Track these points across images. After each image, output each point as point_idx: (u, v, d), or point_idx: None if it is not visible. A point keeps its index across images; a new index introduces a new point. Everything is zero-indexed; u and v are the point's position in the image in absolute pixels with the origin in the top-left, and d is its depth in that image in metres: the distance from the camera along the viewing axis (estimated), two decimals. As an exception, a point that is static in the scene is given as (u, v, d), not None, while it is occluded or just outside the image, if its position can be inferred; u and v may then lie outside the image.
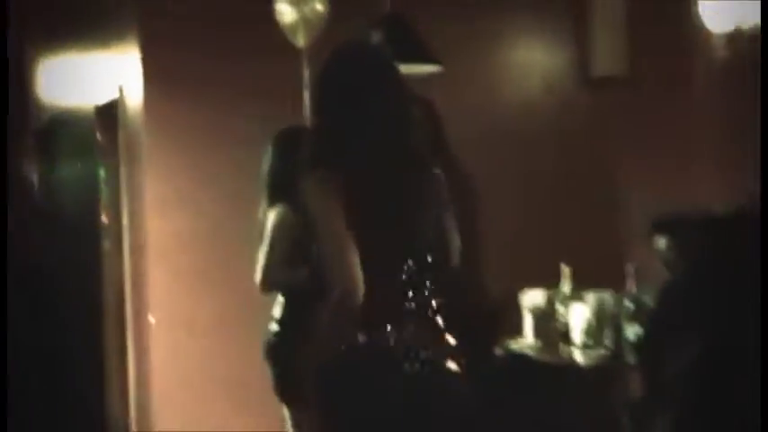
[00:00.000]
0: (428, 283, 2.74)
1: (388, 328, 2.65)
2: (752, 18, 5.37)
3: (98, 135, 6.09)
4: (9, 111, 6.07)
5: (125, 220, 5.46)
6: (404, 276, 2.70)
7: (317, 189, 2.66)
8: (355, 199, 2.66)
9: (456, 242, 3.18)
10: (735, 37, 5.43)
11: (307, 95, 4.93)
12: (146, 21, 5.32)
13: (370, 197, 2.70)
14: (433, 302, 2.79)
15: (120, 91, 5.46)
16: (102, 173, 6.06)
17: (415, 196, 2.77)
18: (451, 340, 2.76)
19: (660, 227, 4.62)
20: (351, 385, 2.66)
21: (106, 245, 5.83)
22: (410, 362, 2.65)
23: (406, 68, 4.70)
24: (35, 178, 7.14)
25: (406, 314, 2.70)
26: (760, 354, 3.12)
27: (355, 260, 2.59)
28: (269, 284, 4.06)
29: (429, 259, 2.80)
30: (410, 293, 2.70)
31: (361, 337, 2.62)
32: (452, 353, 2.80)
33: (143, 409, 5.28)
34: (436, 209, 2.86)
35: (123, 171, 5.63)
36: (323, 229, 2.59)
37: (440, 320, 2.78)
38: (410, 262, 2.71)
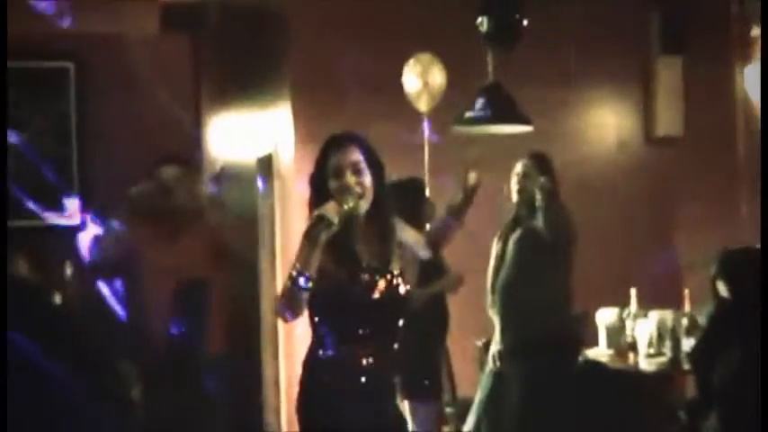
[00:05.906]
0: None
1: None
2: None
3: (258, 181, 6.69)
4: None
5: (278, 251, 5.99)
6: None
7: None
8: None
9: None
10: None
11: (427, 153, 5.62)
12: (296, 91, 6.04)
13: None
14: None
15: (275, 147, 6.16)
16: (259, 212, 6.60)
17: None
18: None
19: (720, 266, 4.63)
20: None
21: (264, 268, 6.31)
22: None
23: (501, 127, 5.42)
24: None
25: None
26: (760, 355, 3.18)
27: None
28: None
29: None
30: None
31: None
32: None
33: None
34: None
35: (278, 210, 6.21)
36: None
37: None
38: None
